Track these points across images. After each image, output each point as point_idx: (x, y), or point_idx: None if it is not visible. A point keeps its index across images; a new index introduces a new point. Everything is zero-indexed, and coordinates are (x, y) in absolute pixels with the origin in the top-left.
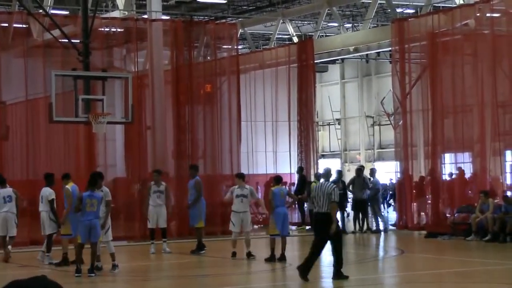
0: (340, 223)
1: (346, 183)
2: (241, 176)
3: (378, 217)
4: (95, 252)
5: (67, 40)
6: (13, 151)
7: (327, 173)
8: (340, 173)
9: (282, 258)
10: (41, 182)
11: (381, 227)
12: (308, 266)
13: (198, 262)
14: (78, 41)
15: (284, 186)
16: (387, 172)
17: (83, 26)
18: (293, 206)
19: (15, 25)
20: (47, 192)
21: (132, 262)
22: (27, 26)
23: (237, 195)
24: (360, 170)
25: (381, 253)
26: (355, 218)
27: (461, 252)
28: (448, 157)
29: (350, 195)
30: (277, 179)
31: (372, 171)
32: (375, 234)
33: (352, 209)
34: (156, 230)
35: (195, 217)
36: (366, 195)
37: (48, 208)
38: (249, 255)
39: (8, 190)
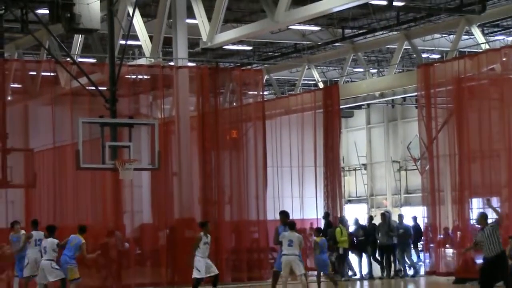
0: (366, 269)
1: (375, 229)
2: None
3: (407, 262)
4: None
5: (94, 88)
6: (41, 198)
7: (485, 217)
8: (357, 221)
9: None
10: (68, 229)
11: (410, 272)
12: None
13: None
14: (105, 88)
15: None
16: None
17: (110, 74)
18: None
19: (43, 73)
20: (52, 242)
21: None
22: (54, 74)
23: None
24: (384, 215)
25: None
26: (381, 263)
27: None
28: (475, 202)
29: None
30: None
31: (400, 217)
32: (402, 279)
33: (378, 254)
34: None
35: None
36: (392, 241)
37: (52, 257)
38: None
39: (40, 234)
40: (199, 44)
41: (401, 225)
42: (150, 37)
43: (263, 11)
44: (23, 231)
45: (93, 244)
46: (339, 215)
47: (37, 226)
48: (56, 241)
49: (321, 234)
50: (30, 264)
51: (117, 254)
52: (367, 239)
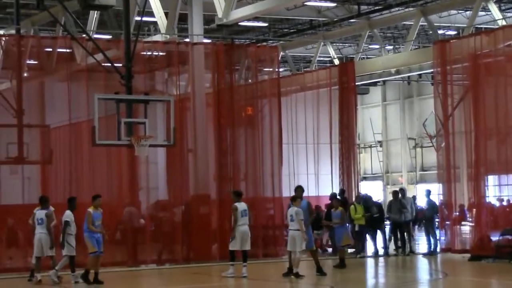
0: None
1: (386, 206)
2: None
3: (431, 238)
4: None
5: (110, 64)
6: (56, 174)
7: None
8: (371, 198)
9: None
10: (84, 205)
11: (432, 248)
12: None
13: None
14: (121, 65)
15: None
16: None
17: (125, 50)
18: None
19: (59, 49)
20: (66, 215)
21: (174, 285)
22: (70, 50)
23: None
24: (396, 192)
25: (424, 276)
26: (395, 240)
27: (506, 275)
28: (491, 179)
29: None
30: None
31: (427, 193)
32: (427, 256)
33: (391, 232)
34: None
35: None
36: (404, 217)
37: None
38: (296, 275)
39: (41, 213)
40: (215, 21)
41: (427, 201)
42: (166, 14)
43: None
44: (52, 208)
45: (109, 220)
46: (354, 192)
47: (44, 205)
48: (68, 215)
49: None
50: (36, 244)
51: (132, 230)
52: (382, 216)
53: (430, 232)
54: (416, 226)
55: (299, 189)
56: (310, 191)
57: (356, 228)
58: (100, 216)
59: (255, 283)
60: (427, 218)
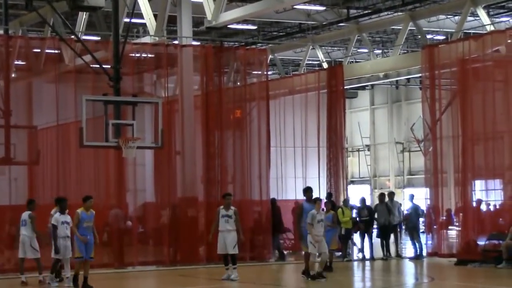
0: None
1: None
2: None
3: (416, 243)
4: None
5: (98, 66)
6: (44, 176)
7: None
8: (364, 200)
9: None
10: (71, 207)
11: (418, 252)
12: None
13: None
14: (109, 66)
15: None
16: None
17: (114, 52)
18: None
19: (47, 50)
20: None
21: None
22: (59, 51)
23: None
24: (383, 195)
25: (411, 280)
26: (382, 244)
27: (492, 280)
28: (478, 184)
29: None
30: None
31: (411, 197)
32: (414, 260)
33: (378, 235)
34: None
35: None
36: (389, 222)
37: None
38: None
39: (25, 214)
40: (204, 23)
41: (410, 205)
42: (155, 15)
43: None
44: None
45: (95, 222)
46: (342, 196)
47: (30, 206)
48: (55, 218)
49: None
50: (20, 245)
51: (119, 232)
52: (371, 219)
53: (414, 236)
54: (403, 230)
55: (308, 191)
56: (297, 195)
57: (343, 232)
58: (89, 218)
59: (243, 285)
60: (411, 222)
